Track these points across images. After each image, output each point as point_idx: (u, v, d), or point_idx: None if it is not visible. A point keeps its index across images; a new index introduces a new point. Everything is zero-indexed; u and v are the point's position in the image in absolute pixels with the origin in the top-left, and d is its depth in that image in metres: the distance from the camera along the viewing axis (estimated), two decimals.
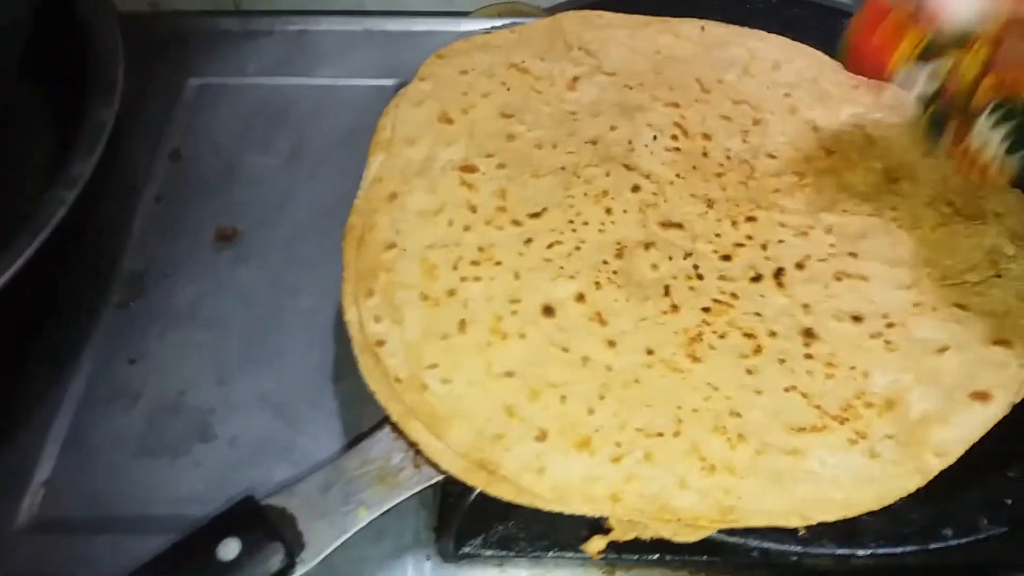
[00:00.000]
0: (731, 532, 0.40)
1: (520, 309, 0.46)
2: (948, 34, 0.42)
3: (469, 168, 0.52)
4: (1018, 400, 0.43)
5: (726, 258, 0.49)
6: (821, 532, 0.40)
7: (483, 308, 0.46)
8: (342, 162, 0.62)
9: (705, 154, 0.54)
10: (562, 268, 0.48)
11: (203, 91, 0.67)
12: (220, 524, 0.40)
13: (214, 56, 0.69)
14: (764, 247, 0.49)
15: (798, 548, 0.41)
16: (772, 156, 0.54)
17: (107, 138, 0.50)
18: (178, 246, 0.58)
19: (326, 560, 0.40)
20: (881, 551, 0.41)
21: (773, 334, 0.45)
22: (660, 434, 0.42)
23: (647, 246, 0.49)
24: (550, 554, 0.44)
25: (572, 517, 0.41)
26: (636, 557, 0.44)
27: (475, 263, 0.48)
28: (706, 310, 0.46)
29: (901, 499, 0.40)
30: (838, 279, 0.48)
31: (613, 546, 0.41)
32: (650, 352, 0.45)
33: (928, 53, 0.42)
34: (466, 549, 0.44)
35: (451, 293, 0.47)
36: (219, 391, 0.51)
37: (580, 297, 0.47)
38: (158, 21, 0.74)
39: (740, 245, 0.50)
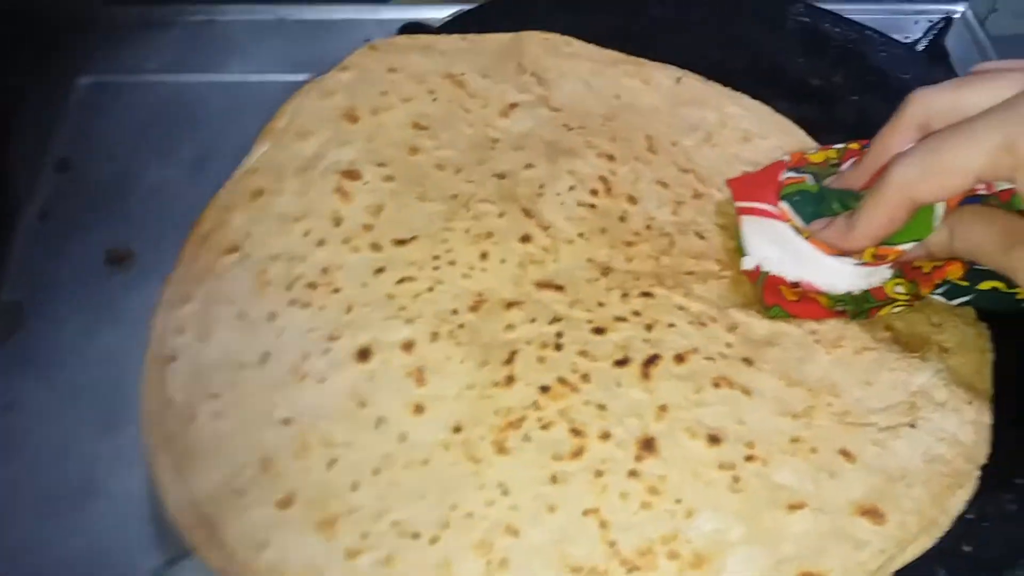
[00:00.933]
0: None
1: (335, 348, 0.40)
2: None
3: (352, 175, 0.47)
4: None
5: (599, 331, 0.42)
6: None
7: (296, 341, 0.41)
8: None
9: (623, 218, 0.47)
10: (402, 309, 0.42)
11: (95, 91, 0.60)
12: None
13: (108, 51, 0.62)
14: (649, 327, 0.42)
15: None
16: (700, 236, 0.47)
17: None
18: (64, 271, 0.51)
19: None
20: None
21: (606, 436, 0.38)
22: (416, 535, 0.35)
23: (510, 305, 0.43)
24: None
25: None
26: None
27: (311, 286, 0.43)
28: (544, 389, 0.39)
29: None
30: (716, 385, 0.40)
31: None
32: (457, 430, 0.38)
33: None
34: None
35: (271, 317, 0.41)
36: (109, 440, 0.44)
37: (408, 345, 0.41)
38: (42, 10, 0.63)
39: (622, 319, 0.42)
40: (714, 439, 0.38)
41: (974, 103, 0.34)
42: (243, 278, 0.43)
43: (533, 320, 0.42)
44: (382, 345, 0.41)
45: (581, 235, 0.46)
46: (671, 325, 0.42)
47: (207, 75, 0.61)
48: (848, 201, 0.40)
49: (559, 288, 0.44)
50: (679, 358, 0.41)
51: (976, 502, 0.38)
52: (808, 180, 0.43)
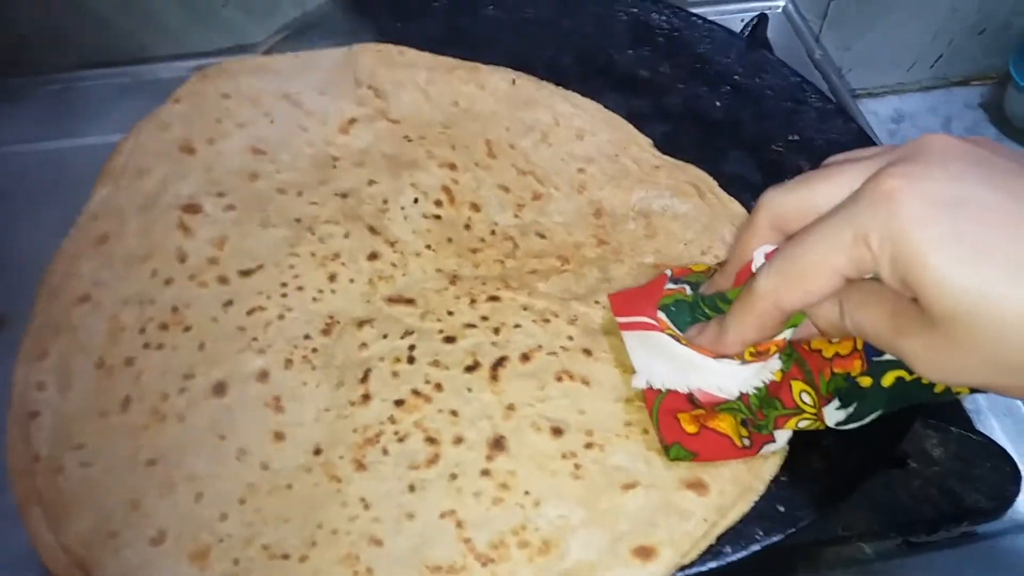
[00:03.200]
0: None
1: (191, 386, 0.42)
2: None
3: (193, 208, 0.48)
4: (686, 561, 0.38)
5: (450, 339, 0.44)
6: None
7: (154, 383, 0.42)
8: None
9: (468, 226, 0.50)
10: (255, 340, 0.43)
11: None
12: None
13: None
14: (497, 331, 0.45)
15: None
16: (541, 236, 0.50)
17: None
18: None
19: None
20: None
21: (459, 440, 0.41)
22: (285, 556, 0.37)
23: (362, 324, 0.45)
24: None
25: None
26: None
27: (163, 327, 0.44)
28: (399, 403, 0.42)
29: None
30: (559, 379, 0.43)
31: None
32: (317, 452, 0.40)
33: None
34: None
35: (128, 362, 0.42)
36: None
37: (263, 375, 0.42)
38: None
39: (471, 326, 0.45)
40: (557, 431, 0.41)
41: (824, 200, 0.33)
42: (97, 327, 0.43)
43: (385, 336, 0.44)
44: (237, 377, 0.42)
45: (428, 247, 0.48)
46: (517, 326, 0.45)
47: (68, 140, 0.62)
48: (718, 305, 0.40)
49: (409, 301, 0.46)
50: (524, 357, 0.44)
51: (787, 465, 0.41)
52: (686, 290, 0.42)
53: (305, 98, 0.54)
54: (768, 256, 0.36)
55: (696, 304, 0.41)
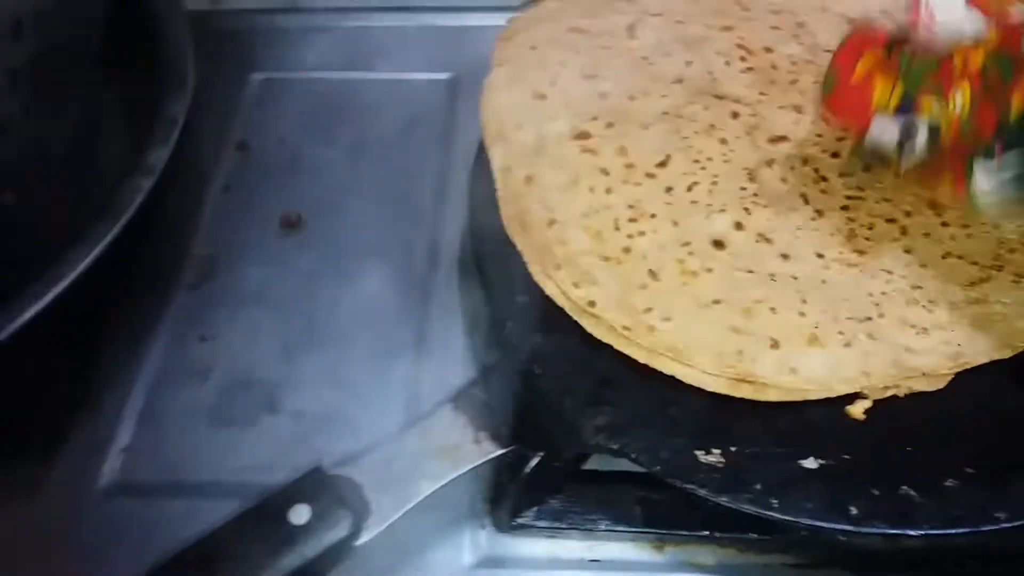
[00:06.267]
0: (784, 509, 0.40)
1: (694, 249, 0.50)
2: (928, 56, 0.42)
3: (583, 135, 0.55)
4: None
5: (835, 155, 0.54)
6: (872, 512, 0.40)
7: (662, 256, 0.49)
8: (401, 154, 0.66)
9: (774, 66, 0.59)
10: (710, 205, 0.52)
11: (266, 85, 0.71)
12: (291, 492, 0.42)
13: (275, 52, 0.73)
14: None
15: (849, 527, 0.40)
16: (828, 51, 0.57)
17: (179, 131, 0.53)
18: (246, 232, 0.62)
19: (389, 527, 0.43)
20: (933, 532, 0.40)
21: (908, 214, 0.52)
22: (868, 318, 0.47)
23: (769, 163, 0.54)
24: (601, 527, 0.47)
25: (623, 494, 0.46)
26: (686, 533, 0.46)
27: (633, 220, 0.51)
28: (844, 208, 0.52)
29: (953, 483, 0.41)
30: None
31: (663, 521, 0.46)
32: (820, 256, 0.50)
33: (906, 98, 0.43)
34: (519, 520, 0.47)
35: (626, 251, 0.50)
36: (285, 368, 0.54)
37: (739, 225, 0.51)
38: (221, 19, 0.76)
39: (841, 139, 0.55)
40: None
41: None
42: (578, 236, 0.49)
43: (792, 168, 0.54)
44: (722, 233, 0.50)
45: (762, 93, 0.57)
46: None
47: (358, 73, 0.72)
48: None
49: (784, 138, 0.55)
50: None
51: None
52: None
53: (585, 24, 0.60)
54: None
55: None
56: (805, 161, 0.54)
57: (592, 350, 0.46)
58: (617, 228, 0.51)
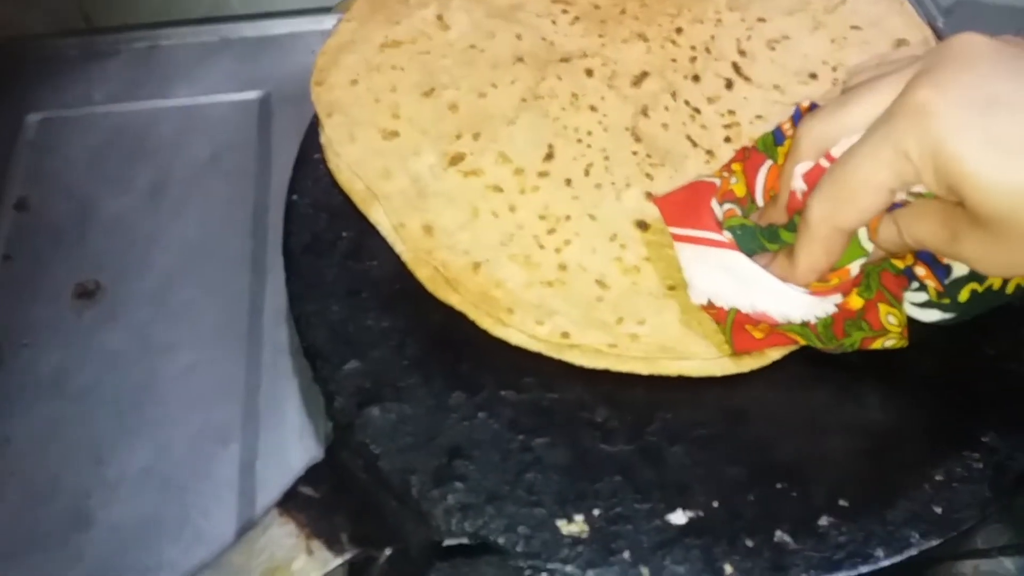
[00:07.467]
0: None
1: (624, 240, 0.47)
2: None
3: (456, 159, 0.50)
4: None
5: (695, 79, 0.53)
6: (748, 569, 0.38)
7: (599, 260, 0.46)
8: (210, 191, 0.58)
9: (596, 6, 0.57)
10: (613, 183, 0.49)
11: (45, 127, 0.62)
12: None
13: (54, 85, 0.64)
14: (708, 50, 0.54)
15: None
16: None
17: None
18: (34, 309, 0.54)
19: None
20: None
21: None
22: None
23: (644, 112, 0.52)
24: None
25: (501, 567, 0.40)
26: None
27: (551, 231, 0.47)
28: (727, 140, 0.51)
29: (828, 521, 0.39)
30: (772, 48, 0.54)
31: None
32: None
33: None
34: None
35: (563, 268, 0.46)
36: (94, 471, 0.48)
37: (649, 195, 0.48)
38: None
39: (693, 60, 0.54)
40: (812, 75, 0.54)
41: (861, 119, 0.35)
42: (511, 271, 0.46)
43: (667, 108, 0.52)
44: (639, 209, 0.48)
45: (600, 36, 0.56)
46: (712, 37, 0.56)
47: (155, 101, 0.64)
48: (779, 235, 0.41)
49: (645, 75, 0.54)
50: (741, 52, 0.55)
51: (943, 463, 0.40)
52: (737, 211, 0.43)
53: (393, 34, 0.55)
54: (805, 176, 0.39)
55: (755, 232, 0.42)
56: (674, 95, 0.52)
57: (437, 414, 0.42)
58: (541, 246, 0.47)
